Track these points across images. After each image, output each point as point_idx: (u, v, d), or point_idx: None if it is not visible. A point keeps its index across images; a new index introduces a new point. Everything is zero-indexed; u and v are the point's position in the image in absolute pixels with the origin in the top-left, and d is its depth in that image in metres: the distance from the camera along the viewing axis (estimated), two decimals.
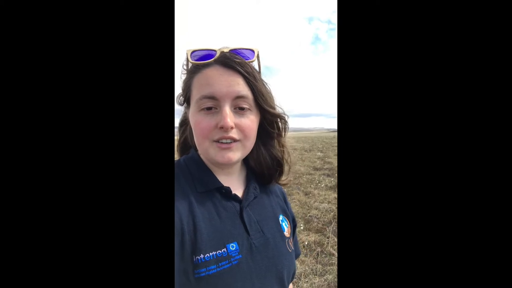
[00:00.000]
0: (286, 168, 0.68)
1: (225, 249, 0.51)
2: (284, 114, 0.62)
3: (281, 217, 0.65)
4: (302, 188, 4.94)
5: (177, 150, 0.69)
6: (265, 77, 0.58)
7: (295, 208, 3.87)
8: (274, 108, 0.59)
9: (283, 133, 0.65)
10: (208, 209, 0.54)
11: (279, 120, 0.62)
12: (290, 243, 0.63)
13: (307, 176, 6.02)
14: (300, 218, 3.50)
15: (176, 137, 0.69)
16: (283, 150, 0.66)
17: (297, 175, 6.08)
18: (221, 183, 0.58)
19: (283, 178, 0.69)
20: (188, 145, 0.66)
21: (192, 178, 0.57)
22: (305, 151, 12.06)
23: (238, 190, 0.62)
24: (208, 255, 0.49)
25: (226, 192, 0.57)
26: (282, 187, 0.73)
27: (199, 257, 0.47)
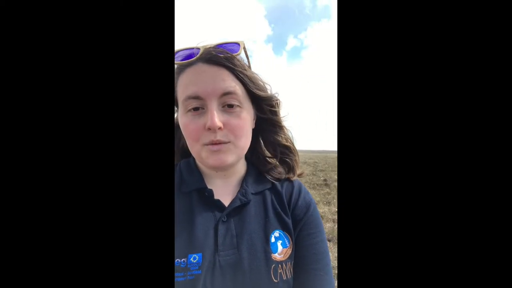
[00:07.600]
0: (295, 158, 0.62)
1: (185, 259, 0.45)
2: (275, 93, 0.58)
3: (276, 233, 0.52)
4: None
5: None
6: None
7: None
8: (266, 92, 0.56)
9: (278, 113, 0.59)
10: (184, 211, 0.51)
11: (274, 103, 0.57)
12: (279, 270, 0.49)
13: None
14: None
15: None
16: (286, 135, 0.61)
17: None
18: (205, 185, 0.54)
19: (295, 171, 0.61)
20: (187, 149, 0.61)
21: (180, 178, 0.56)
22: None
23: (229, 195, 0.56)
24: None
25: (208, 196, 0.52)
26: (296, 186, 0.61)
27: None
